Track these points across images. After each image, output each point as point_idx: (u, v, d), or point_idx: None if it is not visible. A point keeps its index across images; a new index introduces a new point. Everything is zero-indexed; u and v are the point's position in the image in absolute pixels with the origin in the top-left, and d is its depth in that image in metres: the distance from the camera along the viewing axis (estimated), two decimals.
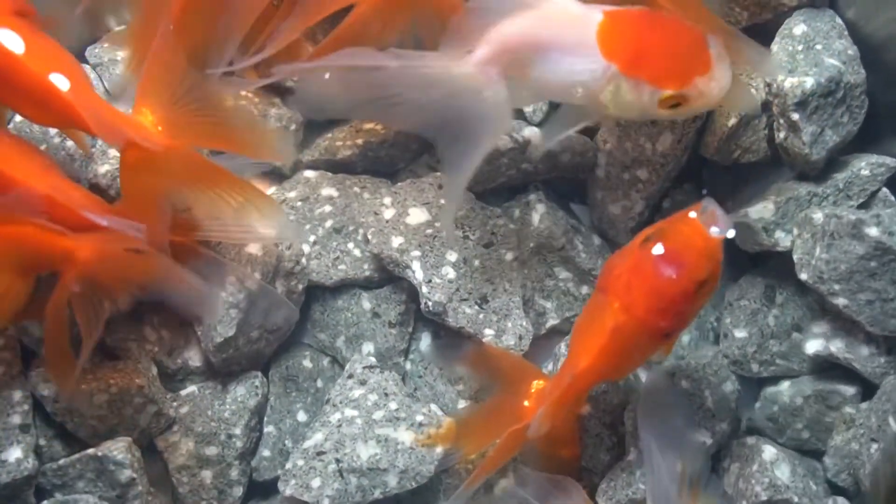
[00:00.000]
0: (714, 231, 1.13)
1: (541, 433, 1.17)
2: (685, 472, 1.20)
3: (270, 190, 1.46)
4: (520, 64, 1.19)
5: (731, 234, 1.14)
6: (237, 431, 1.38)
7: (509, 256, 1.39)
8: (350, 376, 1.38)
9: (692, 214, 1.14)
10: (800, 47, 1.37)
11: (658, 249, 1.14)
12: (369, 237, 1.40)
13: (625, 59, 1.16)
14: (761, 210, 1.37)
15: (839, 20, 1.40)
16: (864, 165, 1.35)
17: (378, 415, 1.35)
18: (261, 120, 1.41)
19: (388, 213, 1.42)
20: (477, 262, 1.38)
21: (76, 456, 1.32)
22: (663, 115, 1.22)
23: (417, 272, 1.37)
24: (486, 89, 1.19)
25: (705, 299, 1.19)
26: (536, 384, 1.25)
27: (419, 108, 1.19)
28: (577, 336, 1.23)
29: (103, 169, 1.37)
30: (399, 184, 1.45)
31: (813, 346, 1.37)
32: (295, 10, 1.28)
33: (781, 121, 1.34)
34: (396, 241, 1.39)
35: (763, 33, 1.41)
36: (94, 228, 1.17)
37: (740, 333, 1.41)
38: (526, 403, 1.24)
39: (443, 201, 1.42)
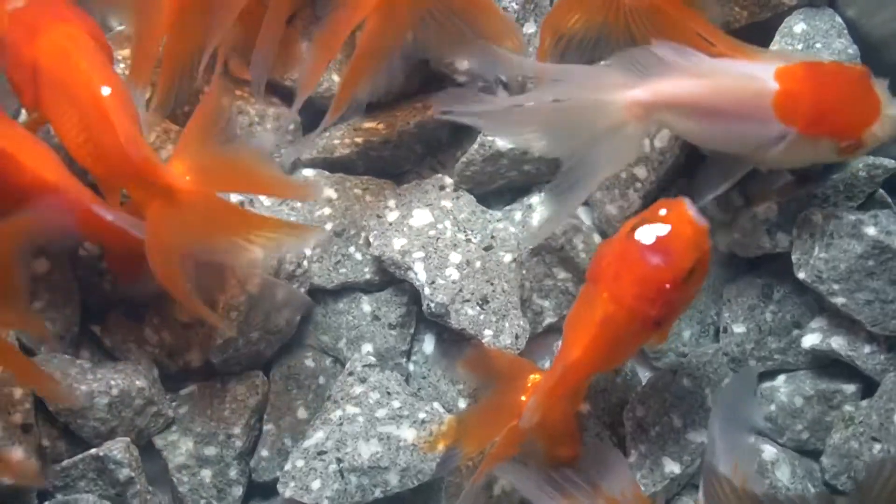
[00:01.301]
0: (701, 218, 1.15)
1: (532, 423, 1.18)
2: (737, 470, 1.20)
3: None
4: (681, 119, 1.24)
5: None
6: (236, 431, 1.38)
7: (508, 258, 1.39)
8: (350, 374, 1.38)
9: (679, 200, 1.16)
10: (799, 46, 1.37)
11: (646, 238, 1.15)
12: (371, 240, 1.40)
13: (804, 123, 1.21)
14: (765, 211, 1.37)
15: (839, 19, 1.40)
16: (862, 167, 1.35)
17: (381, 413, 1.35)
18: (291, 180, 1.39)
19: (392, 216, 1.42)
20: (478, 264, 1.38)
21: (79, 457, 1.32)
22: (833, 159, 1.28)
23: (420, 274, 1.37)
24: (628, 126, 1.23)
25: (696, 288, 1.20)
26: (532, 379, 1.25)
27: (561, 130, 1.26)
28: (569, 327, 1.23)
29: None
30: (404, 185, 1.45)
31: (810, 340, 1.37)
32: (319, 41, 1.32)
33: None
34: (398, 243, 1.39)
35: (763, 32, 1.41)
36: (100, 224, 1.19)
37: (739, 329, 1.41)
38: (523, 398, 1.23)
39: (446, 203, 1.42)
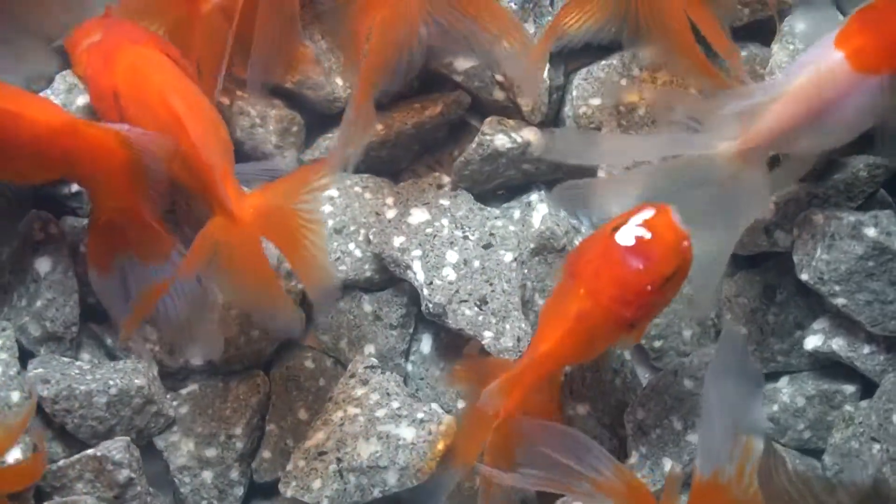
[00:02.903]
0: (685, 223, 1.15)
1: (490, 406, 1.17)
2: (739, 437, 1.17)
3: None
4: (792, 141, 1.24)
5: None
6: (238, 431, 1.38)
7: (508, 258, 1.38)
8: (352, 375, 1.38)
9: (663, 208, 1.16)
10: (801, 46, 1.37)
11: (628, 240, 1.15)
12: (371, 237, 1.40)
13: (890, 63, 1.20)
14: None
15: (841, 17, 1.40)
16: (862, 167, 1.34)
17: (380, 413, 1.34)
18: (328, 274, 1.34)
19: (391, 213, 1.41)
20: (477, 263, 1.38)
21: (75, 457, 1.31)
22: None
23: (418, 273, 1.37)
24: (743, 175, 1.23)
25: (673, 293, 1.20)
26: None
27: (684, 191, 1.25)
28: (543, 319, 1.23)
29: None
30: (402, 183, 1.45)
31: (812, 342, 1.37)
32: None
33: None
34: (398, 241, 1.39)
35: (764, 31, 1.41)
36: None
37: (741, 331, 1.41)
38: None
39: (443, 202, 1.42)
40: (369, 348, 1.41)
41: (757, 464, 1.14)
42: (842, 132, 1.25)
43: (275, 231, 1.22)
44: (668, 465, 1.33)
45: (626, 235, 1.16)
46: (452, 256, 1.38)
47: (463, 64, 1.41)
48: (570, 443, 1.18)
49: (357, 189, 1.44)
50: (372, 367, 1.38)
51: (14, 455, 1.29)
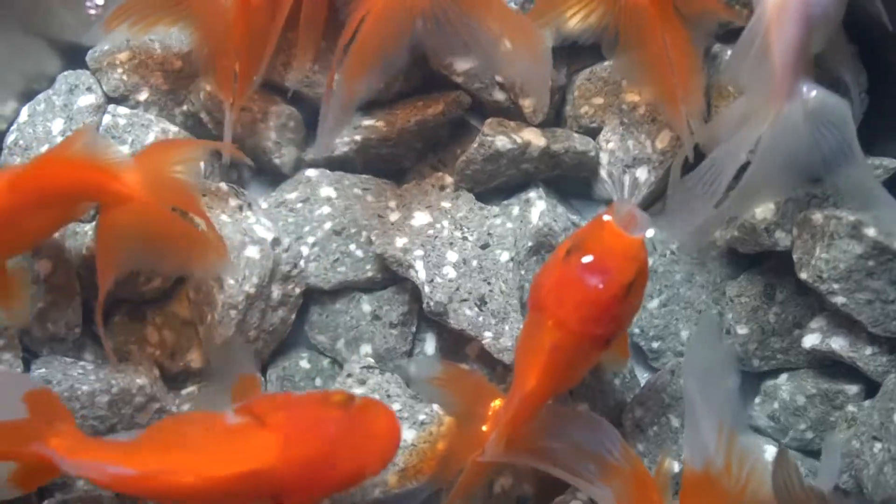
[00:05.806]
0: (633, 231, 1.13)
1: (496, 457, 1.17)
2: (723, 428, 1.16)
3: (273, 194, 1.47)
4: (817, 36, 1.23)
5: (650, 233, 1.13)
6: None
7: (505, 257, 1.39)
8: (349, 375, 1.38)
9: (606, 218, 1.14)
10: None
11: (581, 259, 1.13)
12: (373, 238, 1.40)
13: None
14: (763, 210, 1.36)
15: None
16: None
17: None
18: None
19: (394, 216, 1.42)
20: (475, 263, 1.38)
21: None
22: None
23: (420, 272, 1.37)
24: (809, 104, 1.22)
25: (638, 299, 1.19)
26: (493, 406, 1.25)
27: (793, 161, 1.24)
28: (519, 357, 1.21)
29: None
30: (405, 185, 1.46)
31: (810, 341, 1.37)
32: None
33: None
34: (400, 242, 1.39)
35: None
36: None
37: (742, 330, 1.41)
38: (484, 428, 1.23)
39: (445, 204, 1.42)
40: (366, 348, 1.41)
41: (743, 454, 1.14)
42: (837, 14, 1.24)
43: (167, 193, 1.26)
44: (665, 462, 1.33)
45: (579, 257, 1.14)
46: (452, 256, 1.38)
47: (463, 65, 1.41)
48: (580, 420, 1.20)
49: (357, 191, 1.44)
50: (369, 367, 1.39)
51: None
